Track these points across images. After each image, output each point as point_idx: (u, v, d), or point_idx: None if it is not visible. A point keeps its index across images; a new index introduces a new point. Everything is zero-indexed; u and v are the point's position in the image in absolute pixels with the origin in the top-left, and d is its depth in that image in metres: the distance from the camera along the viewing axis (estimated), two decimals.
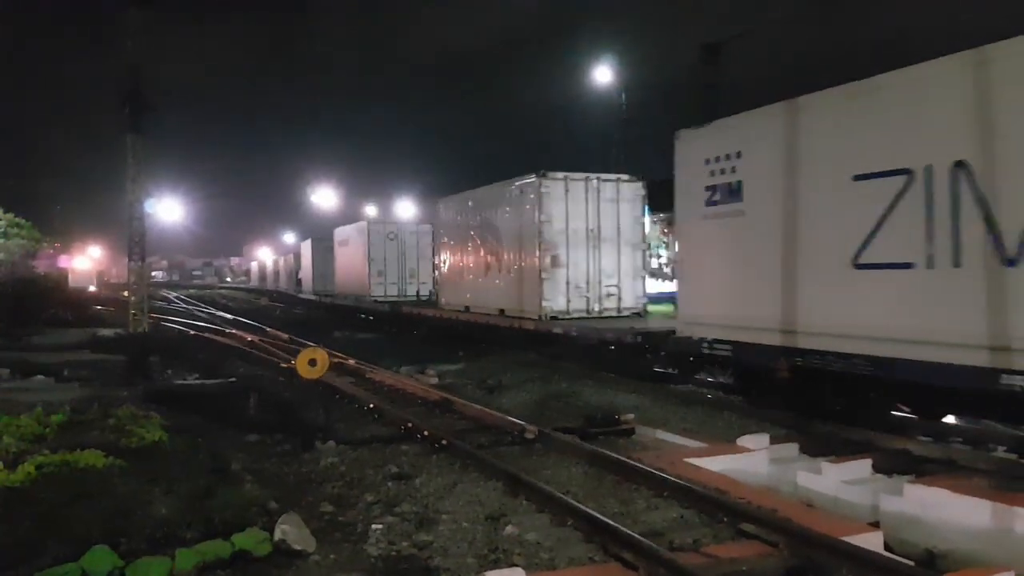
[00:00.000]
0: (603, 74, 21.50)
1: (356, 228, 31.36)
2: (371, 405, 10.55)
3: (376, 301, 27.71)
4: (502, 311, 17.63)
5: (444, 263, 22.00)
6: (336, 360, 13.52)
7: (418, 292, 28.19)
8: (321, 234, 40.27)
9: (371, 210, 52.18)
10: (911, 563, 5.10)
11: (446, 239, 21.70)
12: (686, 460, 7.53)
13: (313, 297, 38.99)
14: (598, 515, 5.61)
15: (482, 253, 18.89)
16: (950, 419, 8.94)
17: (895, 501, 6.61)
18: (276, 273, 57.09)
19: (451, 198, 21.74)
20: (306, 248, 42.79)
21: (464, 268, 20.16)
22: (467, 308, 19.68)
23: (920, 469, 7.37)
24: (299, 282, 44.55)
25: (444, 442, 8.14)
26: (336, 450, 8.22)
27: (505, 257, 17.53)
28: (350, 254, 31.86)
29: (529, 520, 5.91)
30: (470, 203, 19.90)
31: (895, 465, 7.55)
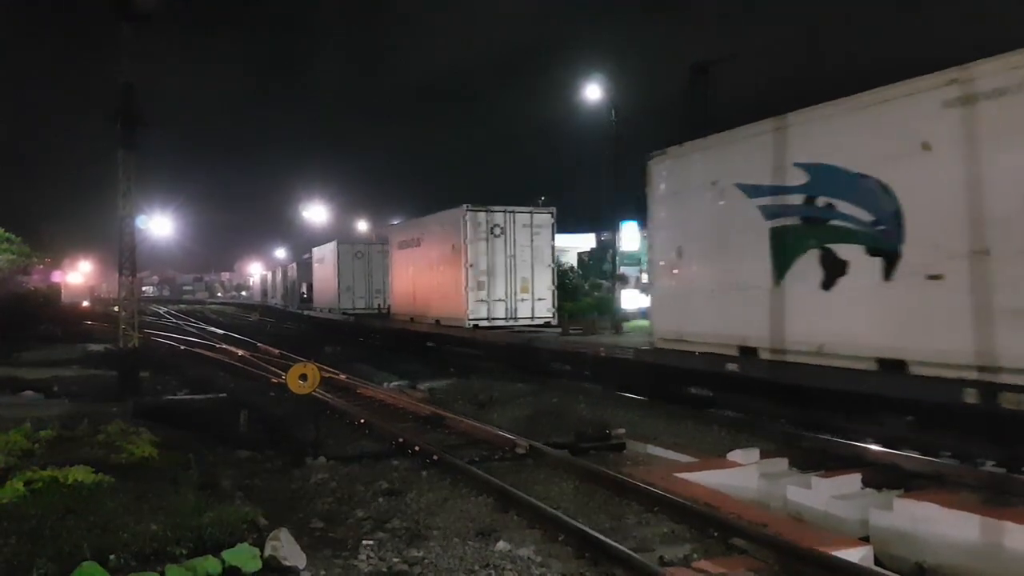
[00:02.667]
0: (593, 92, 21.67)
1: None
2: (362, 420, 10.54)
3: (344, 313, 30.10)
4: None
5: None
6: (327, 375, 13.51)
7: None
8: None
9: (363, 227, 52.20)
10: None
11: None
12: (676, 475, 7.55)
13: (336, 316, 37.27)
14: (589, 530, 5.62)
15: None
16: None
17: (885, 516, 6.63)
18: (286, 285, 53.68)
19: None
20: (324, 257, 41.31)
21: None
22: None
23: (909, 484, 7.40)
24: (304, 297, 43.33)
25: (435, 457, 8.13)
26: (327, 466, 8.20)
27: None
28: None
29: (520, 536, 5.90)
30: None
31: (885, 480, 7.58)
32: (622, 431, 9.42)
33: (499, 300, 18.85)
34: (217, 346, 23.96)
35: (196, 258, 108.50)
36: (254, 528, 5.79)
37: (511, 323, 18.78)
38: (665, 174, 11.74)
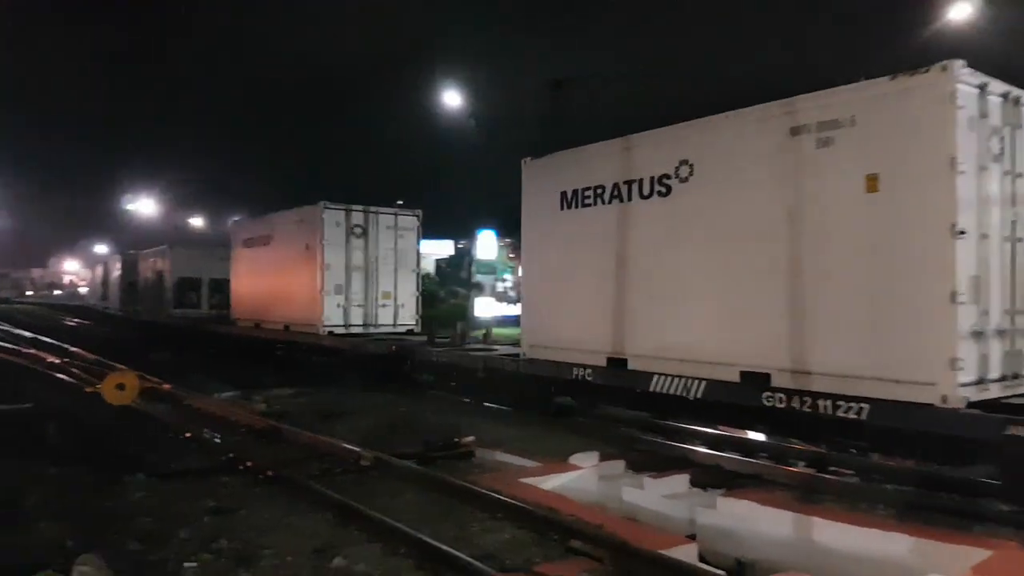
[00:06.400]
0: (452, 98, 21.72)
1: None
2: (188, 434, 9.85)
3: (176, 317, 28.24)
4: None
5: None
6: (150, 385, 12.56)
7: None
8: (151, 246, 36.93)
9: (197, 223, 49.25)
10: (723, 573, 5.43)
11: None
12: (521, 480, 7.63)
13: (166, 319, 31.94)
14: (430, 541, 5.54)
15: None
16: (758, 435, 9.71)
17: (709, 514, 7.05)
18: (108, 285, 43.47)
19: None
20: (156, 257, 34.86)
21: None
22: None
23: (732, 483, 7.92)
24: (130, 298, 38.68)
25: (269, 473, 7.73)
26: (147, 483, 7.57)
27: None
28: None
29: (359, 551, 5.72)
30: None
31: (710, 480, 8.06)
32: (471, 439, 9.39)
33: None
34: (24, 351, 21.63)
35: (2, 252, 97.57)
36: (60, 552, 5.24)
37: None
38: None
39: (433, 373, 14.36)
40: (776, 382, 7.93)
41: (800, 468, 8.59)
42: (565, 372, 10.63)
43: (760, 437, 9.57)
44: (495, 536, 6.08)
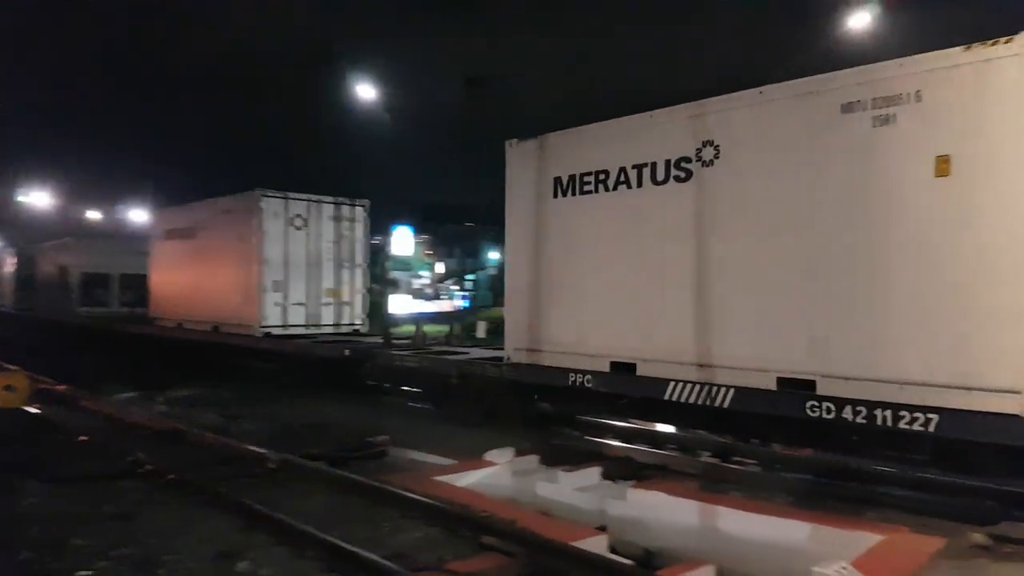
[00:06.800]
0: (365, 92, 21.28)
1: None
2: (84, 437, 9.37)
3: (83, 315, 26.35)
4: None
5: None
6: (43, 386, 11.90)
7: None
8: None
9: (96, 216, 46.83)
10: (630, 563, 5.56)
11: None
12: (434, 478, 7.60)
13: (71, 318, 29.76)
14: (338, 542, 5.45)
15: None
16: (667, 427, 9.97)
17: (619, 505, 7.20)
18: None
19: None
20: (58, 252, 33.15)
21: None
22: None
23: (641, 475, 8.10)
24: (25, 295, 35.57)
25: (171, 477, 7.43)
26: (40, 489, 7.18)
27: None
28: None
29: (265, 555, 5.57)
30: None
31: (622, 472, 8.23)
32: (385, 439, 9.29)
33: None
34: None
35: None
36: None
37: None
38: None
39: (389, 379, 13.38)
40: (823, 390, 7.15)
41: (706, 458, 8.89)
42: (559, 378, 9.61)
43: (670, 429, 9.83)
44: (407, 535, 6.03)
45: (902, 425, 6.56)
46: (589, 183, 9.46)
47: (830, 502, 7.01)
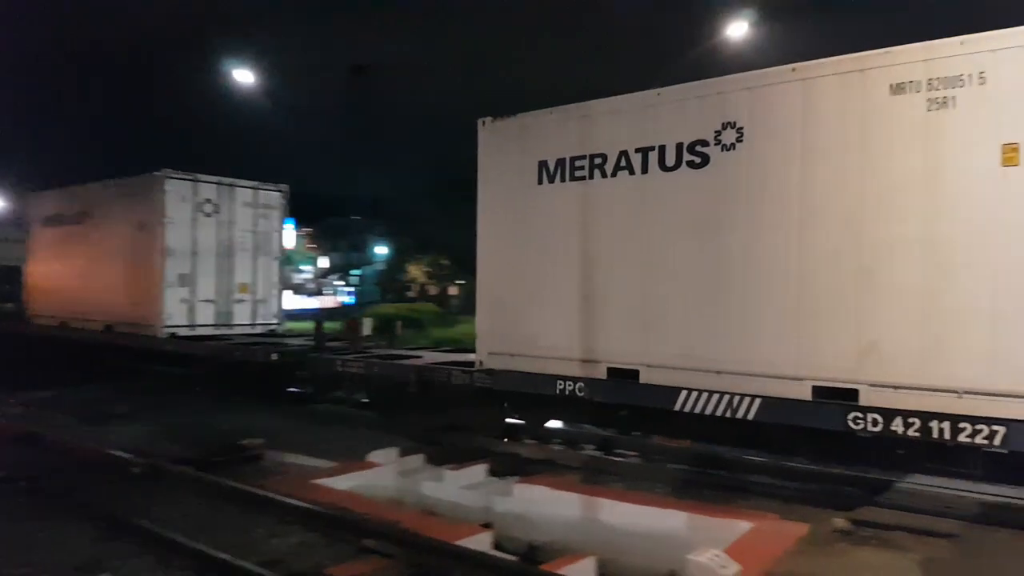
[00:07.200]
0: (244, 76, 20.32)
1: None
2: None
3: None
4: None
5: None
6: None
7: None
8: None
9: None
10: (513, 559, 5.56)
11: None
12: (313, 482, 7.36)
13: None
14: (208, 549, 5.19)
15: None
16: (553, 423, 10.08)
17: (505, 501, 7.18)
18: None
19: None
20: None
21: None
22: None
23: (527, 470, 8.15)
24: None
25: (22, 483, 6.86)
26: None
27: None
28: None
29: (129, 565, 5.25)
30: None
31: (508, 468, 8.24)
32: (260, 441, 8.90)
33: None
34: None
35: None
36: None
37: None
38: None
39: (330, 387, 12.04)
40: (866, 400, 6.53)
41: (589, 451, 9.05)
42: (544, 386, 8.63)
43: (556, 424, 9.93)
44: (283, 540, 5.81)
45: (962, 438, 6.00)
46: (582, 168, 8.43)
47: (705, 491, 7.28)
